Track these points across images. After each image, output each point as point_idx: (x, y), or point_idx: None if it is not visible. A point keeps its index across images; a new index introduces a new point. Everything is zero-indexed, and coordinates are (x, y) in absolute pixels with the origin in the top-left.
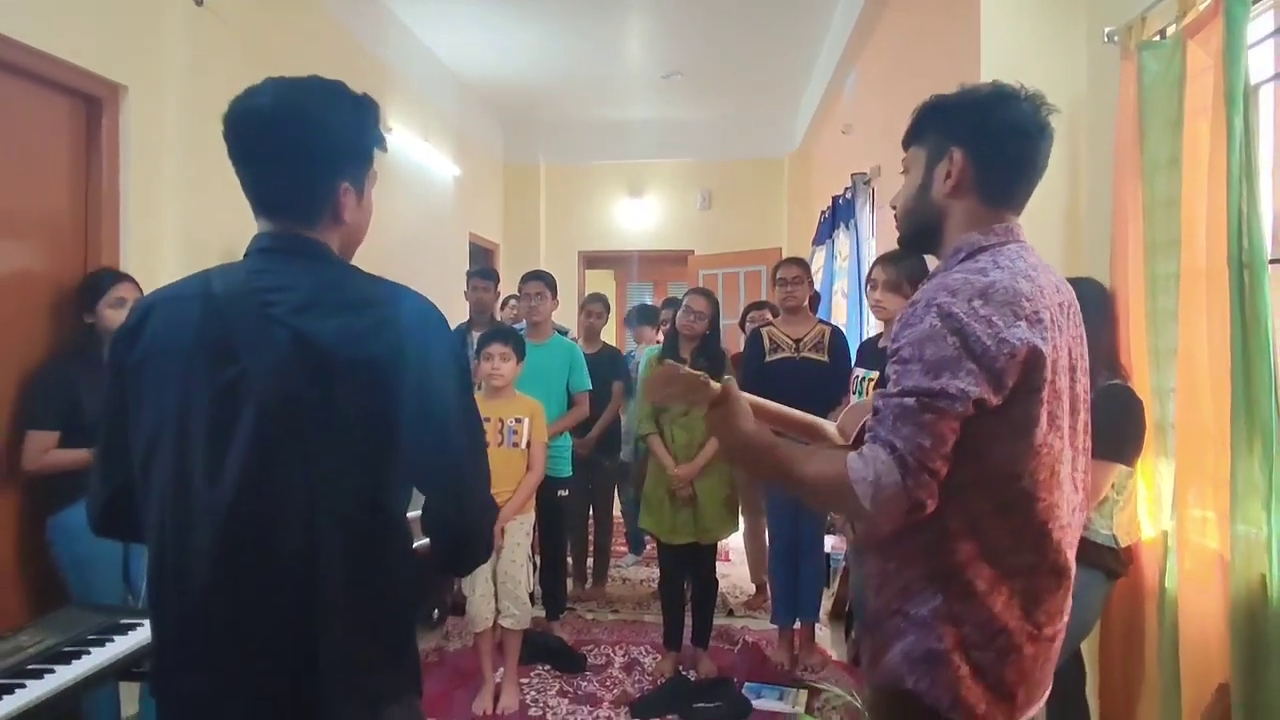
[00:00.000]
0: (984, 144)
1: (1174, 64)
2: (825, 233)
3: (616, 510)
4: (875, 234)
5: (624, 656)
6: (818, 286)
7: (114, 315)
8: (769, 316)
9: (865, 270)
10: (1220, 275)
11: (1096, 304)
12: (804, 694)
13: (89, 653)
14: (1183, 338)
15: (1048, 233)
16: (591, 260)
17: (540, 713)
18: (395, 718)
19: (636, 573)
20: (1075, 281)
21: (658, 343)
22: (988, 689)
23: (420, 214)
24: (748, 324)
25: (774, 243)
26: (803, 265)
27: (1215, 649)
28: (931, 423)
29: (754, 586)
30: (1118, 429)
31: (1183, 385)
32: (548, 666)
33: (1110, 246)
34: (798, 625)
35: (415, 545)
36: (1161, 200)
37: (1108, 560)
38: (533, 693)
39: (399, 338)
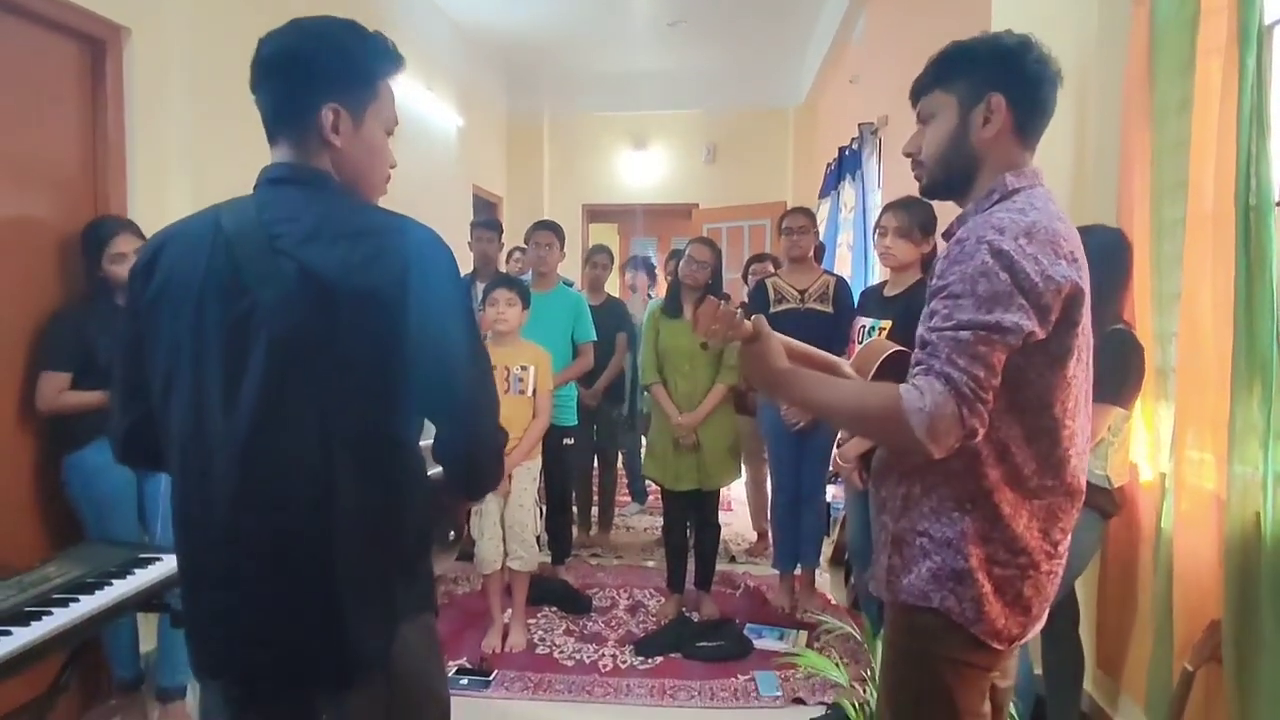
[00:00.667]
0: (1023, 89)
1: (1187, 4)
2: (830, 185)
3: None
4: (882, 184)
5: (628, 599)
6: (822, 239)
7: (117, 270)
8: (771, 269)
9: (871, 221)
10: (1227, 219)
11: (1115, 252)
12: (804, 634)
13: (110, 584)
14: (1186, 282)
15: (1054, 178)
16: (595, 214)
17: (547, 650)
18: (410, 633)
19: (640, 521)
20: (1092, 229)
21: (647, 298)
22: (1007, 604)
23: (423, 165)
24: (750, 276)
25: (778, 196)
26: (808, 215)
27: (1209, 587)
28: (985, 354)
29: (755, 534)
30: (1118, 373)
31: (1184, 330)
32: (554, 608)
33: (1117, 192)
34: (798, 571)
35: (430, 473)
36: (1170, 144)
37: (1101, 500)
38: (540, 632)
39: (401, 266)
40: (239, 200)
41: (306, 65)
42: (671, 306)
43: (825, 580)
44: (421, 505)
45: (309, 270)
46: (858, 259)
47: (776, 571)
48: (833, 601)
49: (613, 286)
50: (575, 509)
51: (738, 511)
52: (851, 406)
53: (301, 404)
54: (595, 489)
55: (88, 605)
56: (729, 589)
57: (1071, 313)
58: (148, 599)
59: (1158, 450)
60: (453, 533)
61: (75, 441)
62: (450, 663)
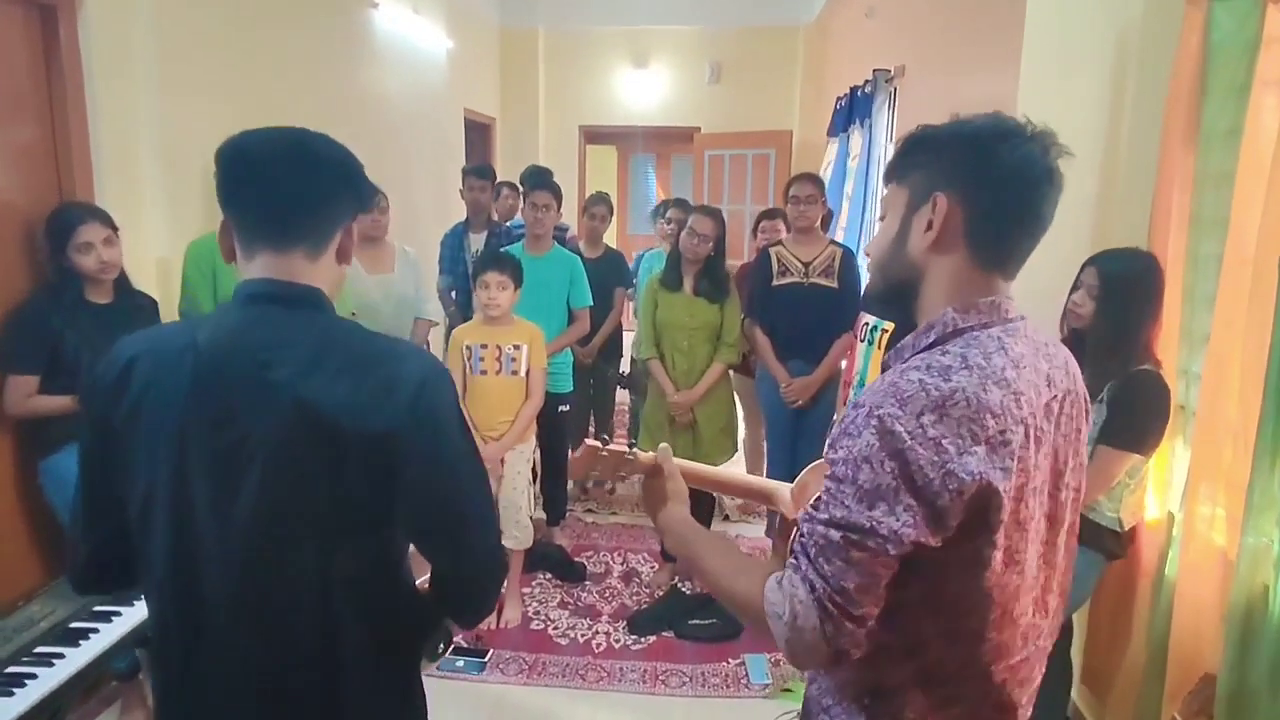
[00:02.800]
0: (978, 189)
1: (1250, 24)
2: (840, 125)
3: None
4: (892, 139)
5: (622, 565)
6: (828, 180)
7: (83, 261)
8: (781, 229)
9: (875, 176)
10: (1270, 265)
11: (1145, 280)
12: None
13: (97, 630)
14: (1217, 326)
15: (1078, 197)
16: (593, 135)
17: (542, 626)
18: None
19: None
20: (1121, 254)
21: (669, 233)
22: None
23: (411, 94)
24: (760, 234)
25: (785, 124)
26: (817, 183)
27: (1207, 641)
28: (860, 561)
29: None
30: (1141, 420)
31: (1210, 375)
32: (548, 575)
33: (1149, 218)
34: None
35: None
36: (1214, 174)
37: (1109, 543)
38: (535, 604)
39: (410, 403)
40: (218, 318)
41: (347, 174)
42: (671, 279)
43: None
44: (417, 634)
45: (308, 405)
46: (854, 212)
47: (770, 536)
48: None
49: (611, 230)
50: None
51: (734, 462)
52: (723, 587)
53: (298, 538)
54: None
55: (75, 661)
56: None
57: (985, 515)
58: (143, 639)
59: (1167, 489)
60: (442, 645)
61: (49, 445)
62: None
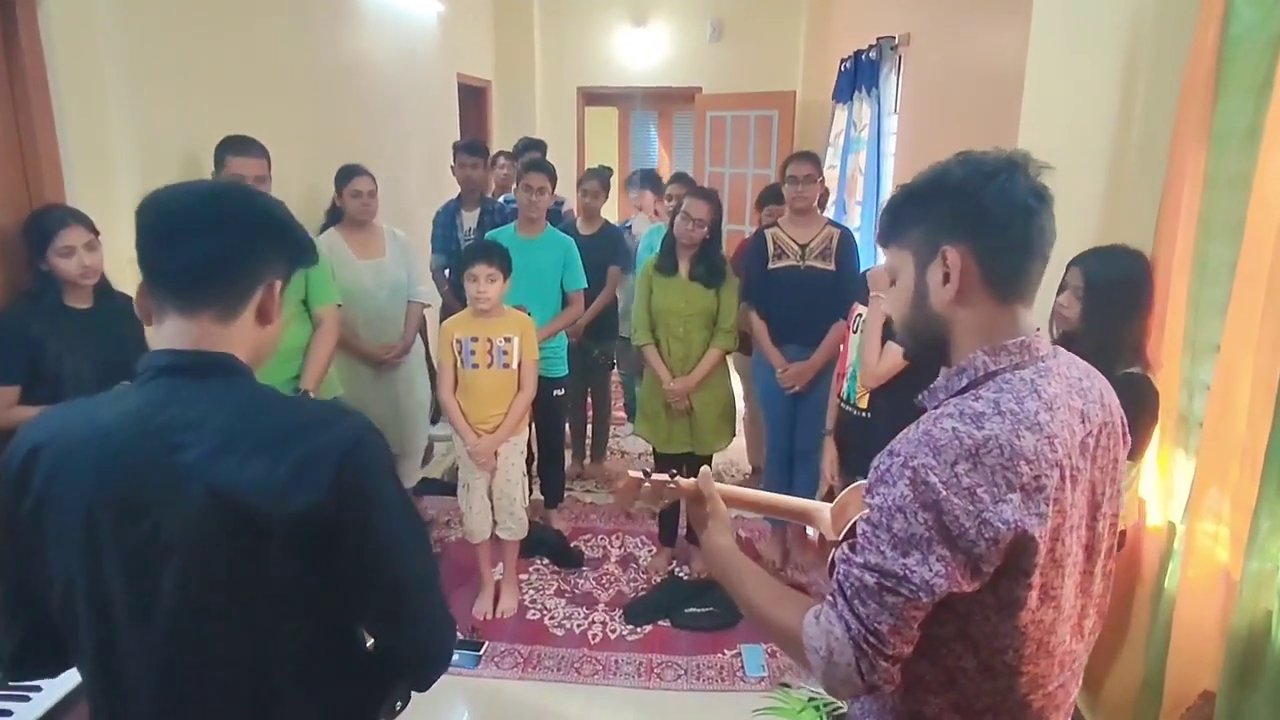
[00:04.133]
0: (982, 233)
1: (1273, 17)
2: (845, 91)
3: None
4: (899, 109)
5: (620, 550)
6: (837, 149)
7: (65, 265)
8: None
9: (886, 146)
10: None
11: (1131, 282)
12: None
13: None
14: (1227, 336)
15: (1083, 194)
16: (591, 97)
17: (538, 615)
18: None
19: (634, 444)
20: (1108, 252)
21: (655, 215)
22: None
23: (401, 61)
24: (764, 217)
25: (788, 85)
26: (814, 162)
27: (1206, 658)
28: (895, 605)
29: (751, 468)
30: (1127, 424)
31: (1218, 388)
32: (546, 560)
33: (1156, 219)
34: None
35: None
36: (1228, 175)
37: None
38: (531, 591)
39: (328, 480)
40: (121, 393)
41: (267, 232)
42: (666, 264)
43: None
44: (371, 701)
45: (222, 491)
46: (869, 186)
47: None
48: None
49: (611, 205)
50: (569, 440)
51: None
52: (761, 615)
53: (227, 629)
54: (589, 420)
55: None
56: None
57: (1020, 561)
58: None
59: (1169, 499)
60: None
61: None
62: None
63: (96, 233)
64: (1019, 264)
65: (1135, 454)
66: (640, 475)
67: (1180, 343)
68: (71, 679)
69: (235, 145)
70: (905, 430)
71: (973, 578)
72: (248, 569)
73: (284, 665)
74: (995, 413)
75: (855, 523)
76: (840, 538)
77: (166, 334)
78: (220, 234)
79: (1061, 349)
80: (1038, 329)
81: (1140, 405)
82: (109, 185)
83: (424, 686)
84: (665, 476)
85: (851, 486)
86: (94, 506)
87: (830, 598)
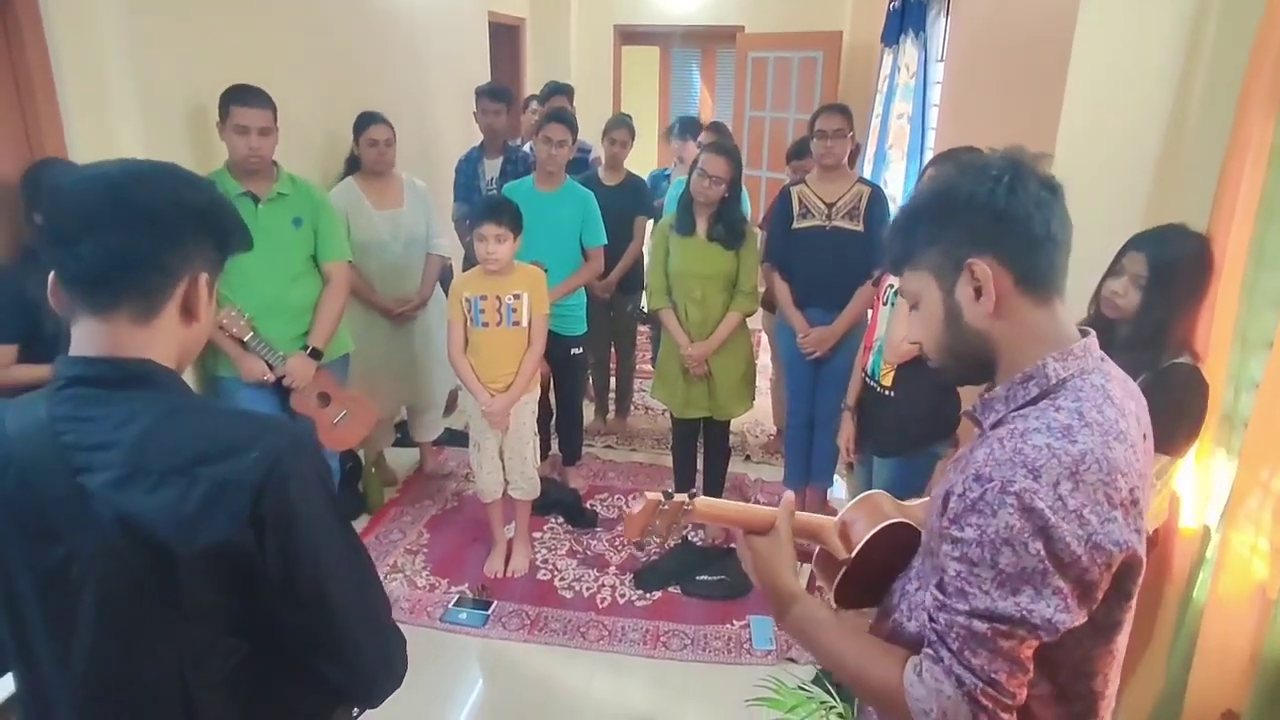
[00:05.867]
0: (1006, 241)
1: None
2: (893, 33)
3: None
4: (945, 56)
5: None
6: (880, 94)
7: None
8: (814, 168)
9: (932, 96)
10: None
11: (1190, 267)
12: (807, 569)
13: None
14: None
15: (1132, 166)
16: (629, 36)
17: (549, 576)
18: None
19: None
20: (1164, 233)
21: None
22: None
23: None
24: (790, 173)
25: (834, 24)
26: (845, 115)
27: (1232, 676)
28: (1009, 650)
29: (775, 429)
30: (1174, 418)
31: (1268, 388)
32: (560, 519)
33: (1213, 199)
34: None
35: None
36: None
37: None
38: (543, 551)
39: (243, 511)
40: (27, 403)
41: (186, 222)
42: (683, 223)
43: (840, 489)
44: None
45: (131, 521)
46: (914, 135)
47: (789, 488)
48: None
49: (648, 155)
50: (593, 395)
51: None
52: (850, 671)
53: (154, 653)
54: (613, 374)
55: None
56: (739, 500)
57: (1124, 583)
58: None
59: (1205, 501)
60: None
61: None
62: (452, 589)
63: None
64: (1049, 260)
65: (1178, 450)
66: (659, 497)
67: (1230, 334)
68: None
69: (239, 95)
70: (976, 450)
71: (1086, 606)
72: (168, 599)
73: (217, 685)
74: (1083, 425)
75: (882, 530)
76: (853, 555)
77: (79, 337)
78: (130, 227)
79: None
80: (1082, 330)
81: (1188, 398)
82: (111, 136)
83: (375, 705)
84: (684, 497)
85: (854, 502)
86: (3, 532)
87: (931, 650)
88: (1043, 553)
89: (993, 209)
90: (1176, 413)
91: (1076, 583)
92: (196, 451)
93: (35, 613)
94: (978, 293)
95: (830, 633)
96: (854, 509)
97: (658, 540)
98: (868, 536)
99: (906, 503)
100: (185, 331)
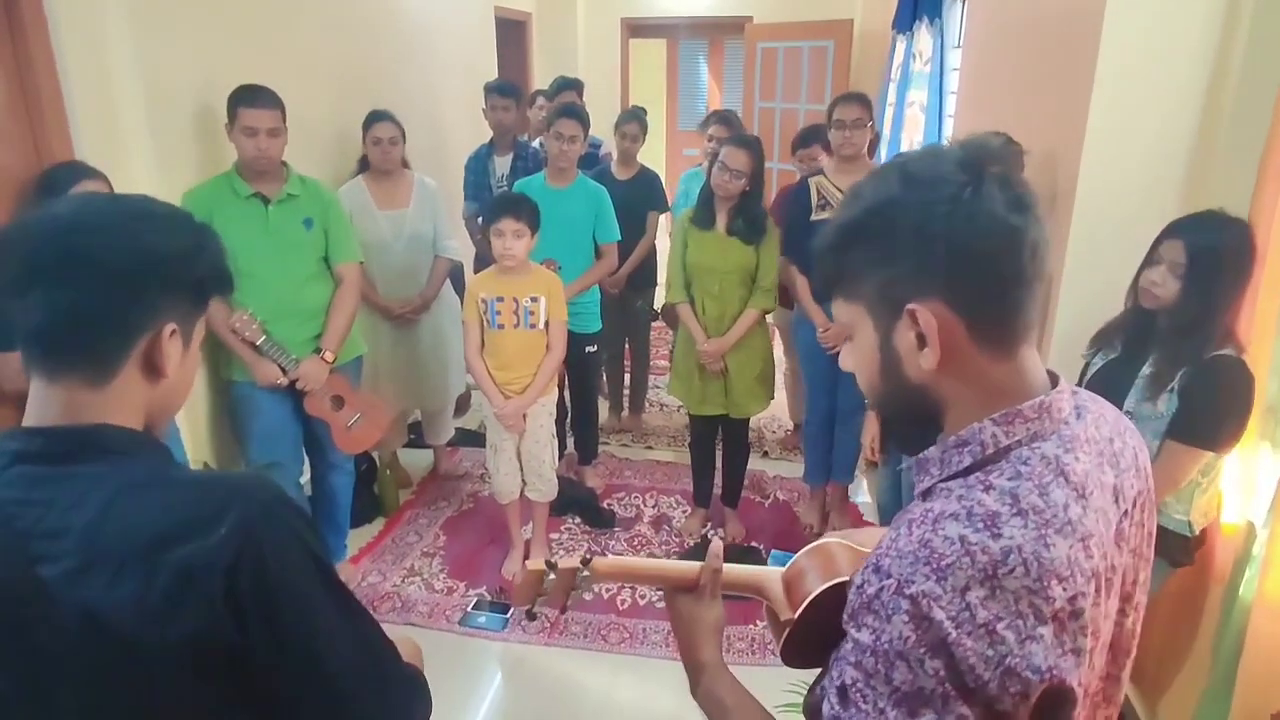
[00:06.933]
0: (960, 278)
1: None
2: (906, 19)
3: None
4: (962, 42)
5: (654, 509)
6: (894, 83)
7: None
8: (821, 157)
9: (948, 84)
10: None
11: (1232, 255)
12: None
13: None
14: None
15: (1167, 150)
16: (636, 29)
17: None
18: None
19: (674, 398)
20: (1202, 221)
21: (710, 151)
22: None
23: None
24: (796, 163)
25: (845, 13)
26: (864, 105)
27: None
28: None
29: (792, 424)
30: (1217, 412)
31: None
32: (577, 519)
33: (1256, 175)
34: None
35: None
36: None
37: (1175, 550)
38: (562, 552)
39: (216, 596)
40: None
41: (134, 266)
42: (702, 217)
43: (860, 484)
44: None
45: (95, 616)
46: (930, 125)
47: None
48: (864, 518)
49: (658, 149)
50: (606, 392)
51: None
52: None
53: None
54: (627, 371)
55: None
56: (758, 497)
57: (1052, 713)
58: None
59: (1250, 497)
60: None
61: None
62: (470, 592)
63: (111, 189)
64: (1013, 304)
65: (1223, 446)
66: (542, 568)
67: (1274, 323)
68: None
69: (246, 96)
70: (891, 533)
71: None
72: (149, 698)
73: None
74: (1014, 513)
75: (825, 591)
76: (796, 615)
77: (33, 401)
78: (77, 283)
79: (1089, 398)
80: (1054, 378)
81: (1234, 393)
82: (118, 135)
83: None
84: (576, 563)
85: (808, 549)
86: None
87: None
88: (942, 673)
89: (941, 242)
90: (1222, 408)
91: (986, 711)
92: (158, 532)
93: (17, 706)
94: (921, 340)
95: (727, 717)
96: (806, 557)
97: (554, 609)
98: (810, 598)
99: (864, 545)
100: (150, 391)
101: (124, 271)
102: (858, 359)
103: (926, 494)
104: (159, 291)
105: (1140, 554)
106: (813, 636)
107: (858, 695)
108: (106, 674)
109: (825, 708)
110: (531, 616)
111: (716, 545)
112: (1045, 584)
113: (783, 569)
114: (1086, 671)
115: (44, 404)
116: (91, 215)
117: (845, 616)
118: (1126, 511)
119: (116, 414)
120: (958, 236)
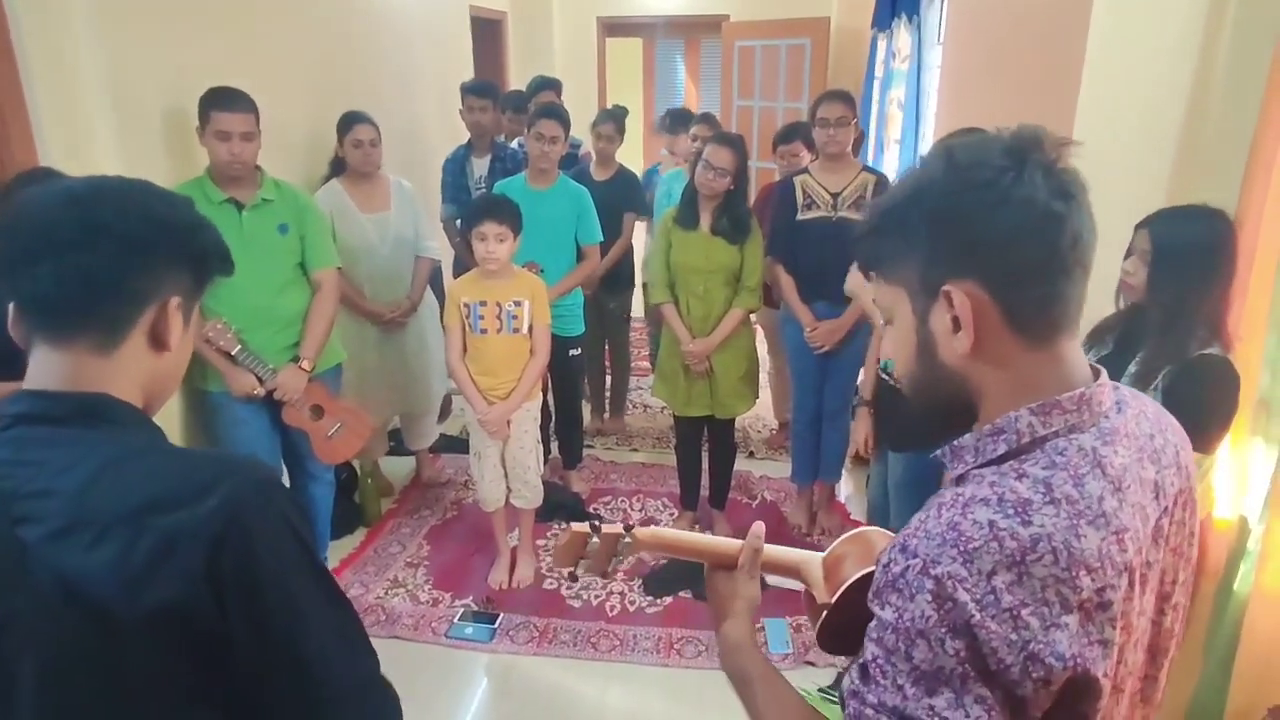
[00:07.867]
0: (997, 262)
1: None
2: (885, 17)
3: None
4: (942, 40)
5: (640, 512)
6: (876, 79)
7: None
8: (801, 154)
9: (927, 81)
10: None
11: (1211, 249)
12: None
13: None
14: None
15: (1156, 144)
16: (612, 27)
17: (555, 585)
18: None
19: (656, 399)
20: (1184, 214)
21: (693, 151)
22: None
23: None
24: (777, 159)
25: (822, 10)
26: (848, 102)
27: (1278, 671)
28: None
29: (777, 423)
30: (1202, 412)
31: None
32: (564, 525)
33: (1245, 167)
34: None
35: None
36: None
37: None
38: (548, 559)
39: (197, 568)
40: None
41: (147, 238)
42: (686, 216)
43: (846, 482)
44: None
45: (71, 582)
46: (908, 122)
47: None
48: (852, 516)
49: (635, 149)
50: (588, 394)
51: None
52: None
53: None
54: (608, 373)
55: None
56: (745, 498)
57: (1077, 703)
58: None
59: (1243, 491)
60: None
61: None
62: (456, 603)
63: None
64: (1052, 292)
65: (1208, 447)
66: (586, 530)
67: (1265, 317)
68: None
69: (219, 99)
70: (920, 515)
71: None
72: (118, 671)
73: None
74: (1047, 501)
75: (861, 578)
76: (833, 600)
77: (35, 368)
78: (92, 248)
79: (1130, 394)
80: (1097, 371)
81: (1219, 393)
82: (85, 140)
83: None
84: (620, 529)
85: (851, 534)
86: None
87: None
88: (963, 654)
89: (980, 224)
90: (1207, 409)
91: (1005, 692)
92: (146, 498)
93: None
94: (956, 324)
95: (756, 698)
96: (846, 543)
97: (599, 572)
98: (848, 582)
99: None
100: (155, 362)
101: (138, 239)
102: (896, 342)
103: (959, 480)
104: (168, 261)
105: (1181, 553)
106: (849, 622)
107: (877, 671)
108: (75, 644)
109: (845, 681)
110: (574, 578)
111: (759, 525)
112: (1074, 574)
113: (823, 553)
114: (1118, 666)
115: (47, 370)
116: (103, 187)
117: (870, 594)
118: (1166, 509)
119: (119, 385)
120: (994, 220)
